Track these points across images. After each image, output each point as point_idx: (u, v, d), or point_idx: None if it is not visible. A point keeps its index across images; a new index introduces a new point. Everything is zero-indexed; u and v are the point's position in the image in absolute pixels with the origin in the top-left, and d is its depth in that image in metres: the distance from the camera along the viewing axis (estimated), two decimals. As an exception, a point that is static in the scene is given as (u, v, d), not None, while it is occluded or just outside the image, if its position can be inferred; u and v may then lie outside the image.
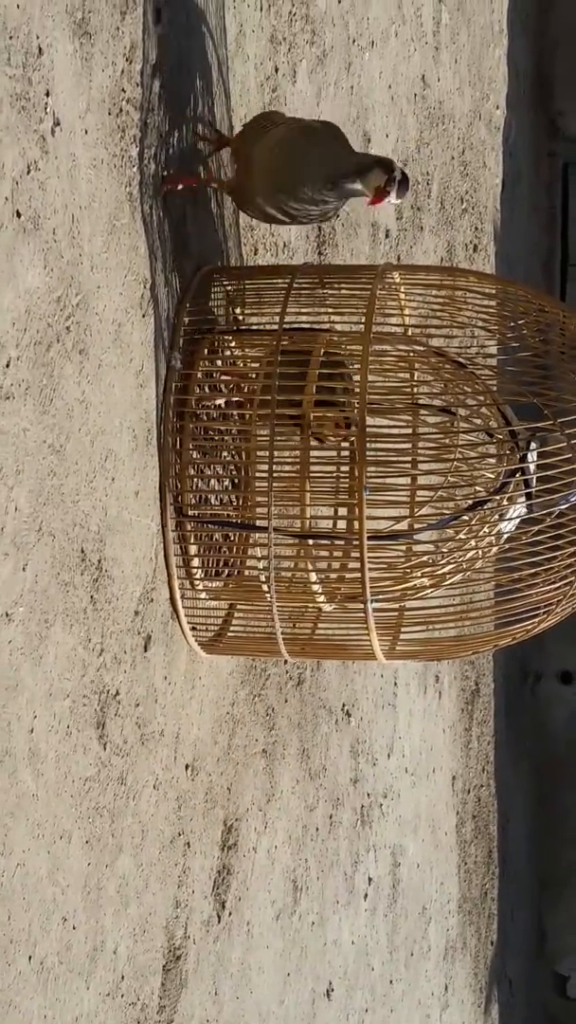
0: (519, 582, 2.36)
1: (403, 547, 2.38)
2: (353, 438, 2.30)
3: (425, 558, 2.36)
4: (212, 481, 2.42)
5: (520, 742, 5.13)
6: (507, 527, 2.34)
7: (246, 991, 2.72)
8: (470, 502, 2.33)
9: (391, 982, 3.64)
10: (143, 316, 2.23)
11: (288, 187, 2.27)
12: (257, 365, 2.44)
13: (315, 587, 2.41)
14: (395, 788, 3.61)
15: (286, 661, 2.79)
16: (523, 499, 2.31)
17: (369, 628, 2.29)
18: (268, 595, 2.33)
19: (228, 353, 2.45)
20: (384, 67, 3.43)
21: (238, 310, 2.50)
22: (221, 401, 2.43)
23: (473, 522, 2.32)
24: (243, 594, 2.47)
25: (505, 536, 2.35)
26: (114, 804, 2.16)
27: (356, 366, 2.29)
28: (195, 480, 2.36)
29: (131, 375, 2.20)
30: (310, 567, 2.42)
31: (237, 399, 2.45)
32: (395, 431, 2.38)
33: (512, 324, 2.38)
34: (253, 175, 2.30)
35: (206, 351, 2.38)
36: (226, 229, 2.57)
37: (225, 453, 2.44)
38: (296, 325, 2.43)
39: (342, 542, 2.45)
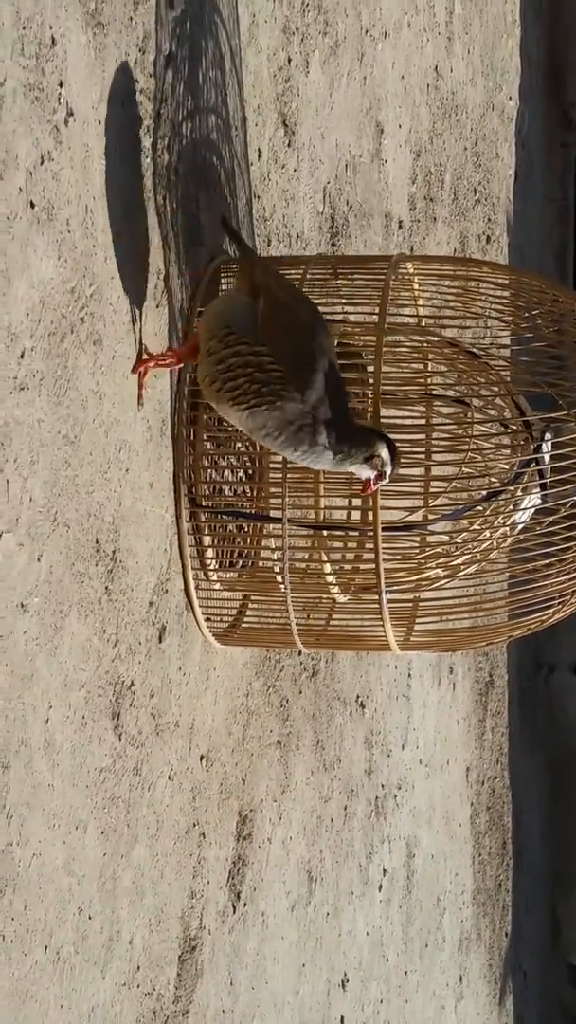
0: (533, 573, 2.36)
1: (417, 538, 2.37)
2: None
3: (439, 549, 2.36)
4: (226, 472, 2.42)
5: (534, 733, 5.13)
6: (521, 518, 2.33)
7: (261, 981, 2.72)
8: (484, 493, 2.33)
9: (406, 973, 3.64)
10: (157, 307, 2.23)
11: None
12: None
13: (329, 578, 2.41)
14: (409, 779, 3.61)
15: (300, 652, 2.79)
16: (537, 489, 2.31)
17: (383, 619, 2.29)
18: (282, 586, 2.33)
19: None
20: (397, 58, 3.43)
21: (252, 301, 2.49)
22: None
23: (487, 513, 2.32)
24: (257, 585, 2.47)
25: (519, 527, 2.34)
26: (129, 795, 2.17)
27: (370, 357, 2.29)
28: (209, 471, 2.36)
29: (145, 366, 2.19)
30: (324, 558, 2.42)
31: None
32: (409, 422, 2.38)
33: (526, 314, 2.38)
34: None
35: (220, 342, 2.38)
36: (239, 219, 2.57)
37: (239, 444, 2.44)
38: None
39: (356, 533, 2.45)
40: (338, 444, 2.10)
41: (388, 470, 2.13)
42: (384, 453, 2.12)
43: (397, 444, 2.27)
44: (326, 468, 2.16)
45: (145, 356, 2.13)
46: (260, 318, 2.09)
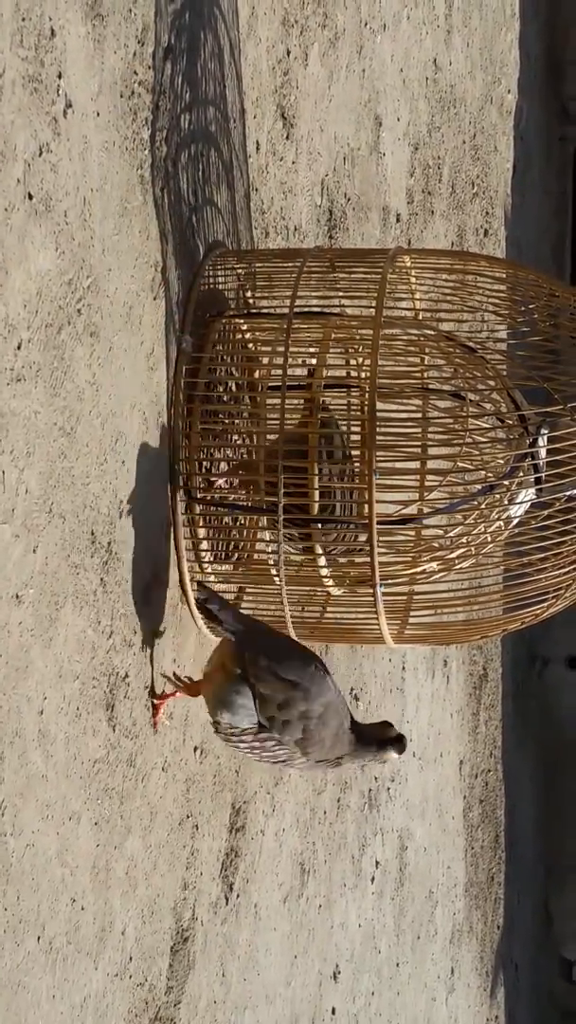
0: (528, 567, 2.36)
1: (412, 532, 2.38)
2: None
3: (435, 543, 2.36)
4: (222, 464, 2.42)
5: (527, 727, 5.14)
6: (516, 512, 2.33)
7: (253, 973, 2.72)
8: (480, 487, 2.33)
9: (397, 965, 3.65)
10: (154, 299, 2.23)
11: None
12: (268, 348, 2.44)
13: (324, 571, 2.41)
14: (403, 772, 3.62)
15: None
16: (533, 484, 2.31)
17: (378, 612, 2.29)
18: (277, 579, 2.33)
19: (239, 336, 2.45)
20: (396, 50, 3.43)
21: (249, 293, 2.49)
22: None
23: (483, 507, 2.32)
24: (252, 578, 2.47)
25: (514, 521, 2.35)
26: (123, 786, 2.17)
27: (367, 351, 2.29)
28: (204, 463, 2.36)
29: (142, 358, 2.20)
30: (319, 551, 2.42)
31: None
32: (405, 415, 2.38)
33: (523, 309, 2.38)
34: None
35: (217, 334, 2.38)
36: (237, 212, 2.57)
37: (235, 436, 2.44)
38: (307, 308, 2.43)
39: (352, 526, 2.45)
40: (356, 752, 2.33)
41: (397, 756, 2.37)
42: (394, 755, 2.34)
43: (392, 437, 2.28)
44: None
45: (161, 694, 2.27)
46: (259, 703, 2.22)
